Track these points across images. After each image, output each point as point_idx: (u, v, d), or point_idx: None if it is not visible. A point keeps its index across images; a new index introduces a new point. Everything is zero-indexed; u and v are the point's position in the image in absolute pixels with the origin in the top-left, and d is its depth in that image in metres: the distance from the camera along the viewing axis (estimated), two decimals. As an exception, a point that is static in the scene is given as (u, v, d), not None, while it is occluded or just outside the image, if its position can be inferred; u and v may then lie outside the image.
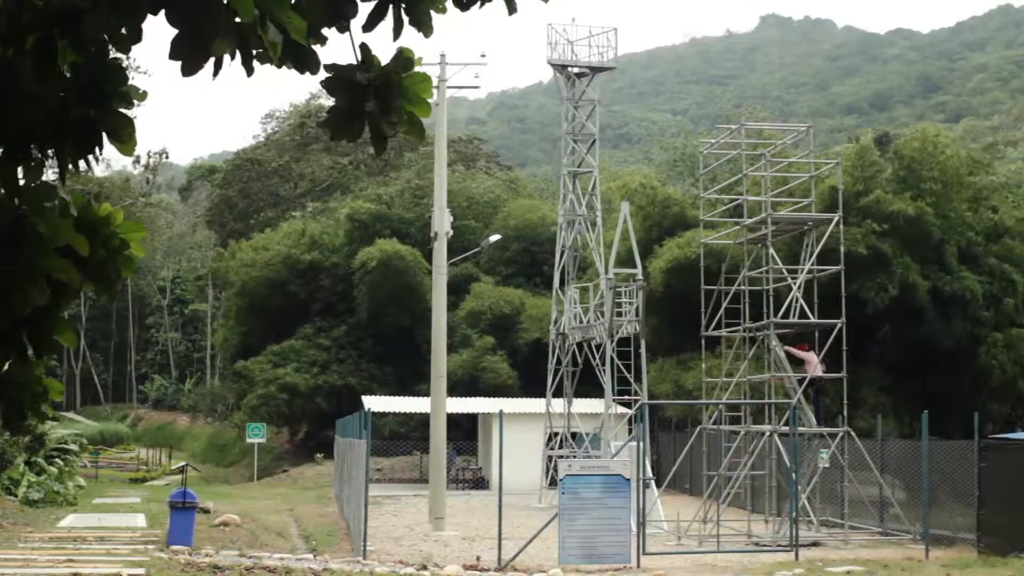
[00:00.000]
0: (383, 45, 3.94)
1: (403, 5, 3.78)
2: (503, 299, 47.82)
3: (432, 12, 3.82)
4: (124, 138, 3.58)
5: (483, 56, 29.72)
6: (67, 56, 3.43)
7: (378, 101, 3.74)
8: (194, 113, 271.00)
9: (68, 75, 3.45)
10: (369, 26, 3.81)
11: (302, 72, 3.72)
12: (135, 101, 3.61)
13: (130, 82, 3.58)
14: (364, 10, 3.82)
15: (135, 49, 3.60)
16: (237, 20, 3.46)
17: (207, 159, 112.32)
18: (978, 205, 38.50)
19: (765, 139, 33.78)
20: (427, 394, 29.28)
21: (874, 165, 37.49)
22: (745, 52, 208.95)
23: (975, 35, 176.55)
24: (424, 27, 3.83)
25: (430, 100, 3.93)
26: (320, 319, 51.96)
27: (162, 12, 3.44)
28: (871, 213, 34.94)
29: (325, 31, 3.74)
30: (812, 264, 25.33)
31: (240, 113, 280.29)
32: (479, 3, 3.92)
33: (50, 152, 3.60)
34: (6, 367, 3.65)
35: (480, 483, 39.46)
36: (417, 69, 3.84)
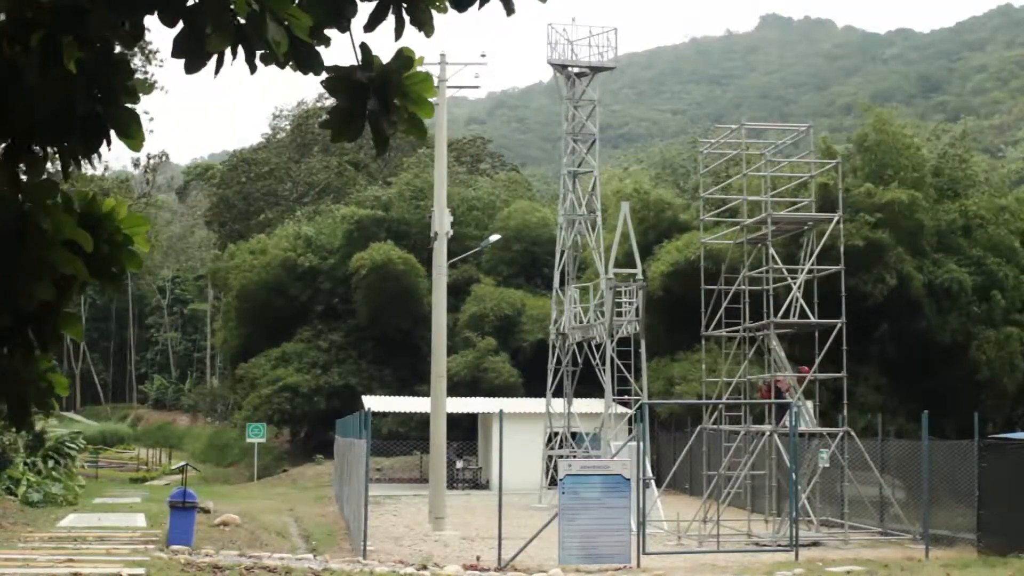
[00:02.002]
0: (386, 46, 3.94)
1: (404, 5, 3.78)
2: (505, 301, 47.84)
3: (433, 12, 3.82)
4: (132, 133, 3.59)
5: (483, 56, 29.73)
6: (73, 52, 3.44)
7: (378, 101, 3.74)
8: (197, 113, 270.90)
9: (74, 71, 3.46)
10: (370, 26, 3.81)
11: (305, 72, 3.72)
12: (141, 94, 3.62)
13: (147, 67, 3.58)
14: (365, 10, 3.82)
15: (153, 38, 3.59)
16: (239, 19, 3.47)
17: (208, 159, 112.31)
18: (956, 196, 38.53)
19: (761, 141, 33.81)
20: (427, 394, 29.28)
21: (848, 160, 37.42)
22: (745, 52, 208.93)
23: (975, 35, 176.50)
24: (425, 27, 3.83)
25: (431, 99, 3.93)
26: (320, 321, 51.97)
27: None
28: (863, 206, 34.99)
29: (326, 32, 3.74)
30: (812, 264, 25.34)
31: (245, 113, 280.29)
32: (478, 4, 3.92)
33: (53, 149, 3.60)
34: (11, 362, 3.66)
35: (479, 483, 39.45)
36: (418, 69, 3.84)
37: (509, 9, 3.95)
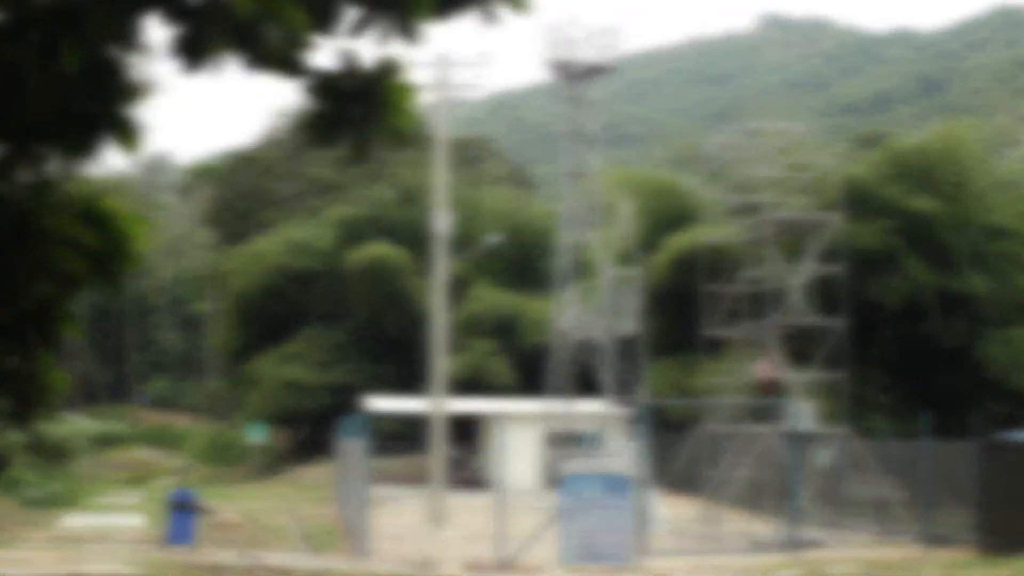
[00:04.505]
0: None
1: (390, 12, 3.74)
2: (503, 300, 47.87)
3: (421, 20, 3.77)
4: (128, 135, 3.59)
5: (484, 56, 29.70)
6: (72, 53, 3.43)
7: (359, 109, 3.70)
8: (198, 112, 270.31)
9: (73, 72, 3.45)
10: (357, 32, 3.77)
11: (288, 78, 3.68)
12: (142, 97, 3.61)
13: (144, 64, 3.55)
14: (353, 16, 3.79)
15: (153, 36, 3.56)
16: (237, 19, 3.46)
17: (209, 158, 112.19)
18: (982, 204, 38.57)
19: (770, 138, 33.80)
20: (427, 394, 29.28)
21: (894, 165, 37.38)
22: (745, 52, 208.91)
23: (975, 35, 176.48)
24: (411, 35, 3.76)
25: (416, 107, 3.88)
26: (319, 322, 52.09)
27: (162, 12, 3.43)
28: (889, 210, 34.95)
29: (321, 33, 3.71)
30: (816, 263, 25.35)
31: (246, 112, 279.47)
32: (458, 14, 3.88)
33: (54, 149, 3.60)
34: (13, 360, 3.65)
35: (480, 483, 39.43)
36: (404, 76, 3.80)
37: (492, 20, 3.92)
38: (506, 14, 3.93)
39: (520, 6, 3.90)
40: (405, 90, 3.80)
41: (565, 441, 32.36)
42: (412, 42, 3.78)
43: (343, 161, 67.37)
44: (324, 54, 3.82)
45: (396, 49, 3.76)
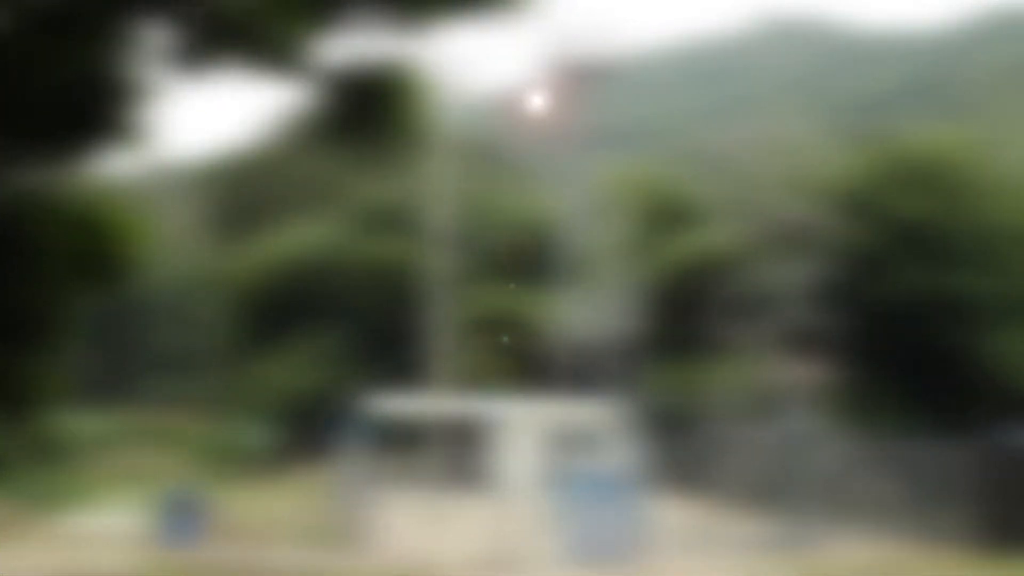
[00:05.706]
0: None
1: (400, 9, 3.74)
2: (505, 299, 47.87)
3: (430, 15, 3.77)
4: (133, 135, 3.59)
5: (482, 56, 29.79)
6: (73, 54, 3.43)
7: (366, 106, 3.70)
8: (198, 111, 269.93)
9: (76, 73, 3.45)
10: (366, 29, 3.77)
11: (290, 78, 3.68)
12: (142, 98, 3.61)
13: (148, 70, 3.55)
14: (363, 14, 3.78)
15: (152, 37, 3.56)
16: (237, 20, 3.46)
17: (209, 158, 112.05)
18: (981, 204, 38.55)
19: (770, 138, 33.78)
20: (428, 394, 29.33)
21: (894, 166, 37.39)
22: (745, 52, 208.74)
23: (975, 35, 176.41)
24: (421, 30, 3.78)
25: (426, 104, 3.89)
26: (320, 321, 52.09)
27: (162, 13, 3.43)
28: (889, 210, 34.93)
29: (322, 34, 3.70)
30: (816, 264, 25.37)
31: (246, 111, 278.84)
32: (471, 10, 3.87)
33: (56, 149, 3.60)
34: (12, 362, 3.65)
35: (479, 482, 39.39)
36: (414, 74, 3.80)
37: (502, 11, 3.91)
38: (521, 9, 3.94)
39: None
40: (417, 85, 3.80)
41: (565, 441, 32.33)
42: (422, 39, 3.79)
43: (347, 160, 67.52)
44: (332, 52, 3.80)
45: (408, 46, 3.76)
